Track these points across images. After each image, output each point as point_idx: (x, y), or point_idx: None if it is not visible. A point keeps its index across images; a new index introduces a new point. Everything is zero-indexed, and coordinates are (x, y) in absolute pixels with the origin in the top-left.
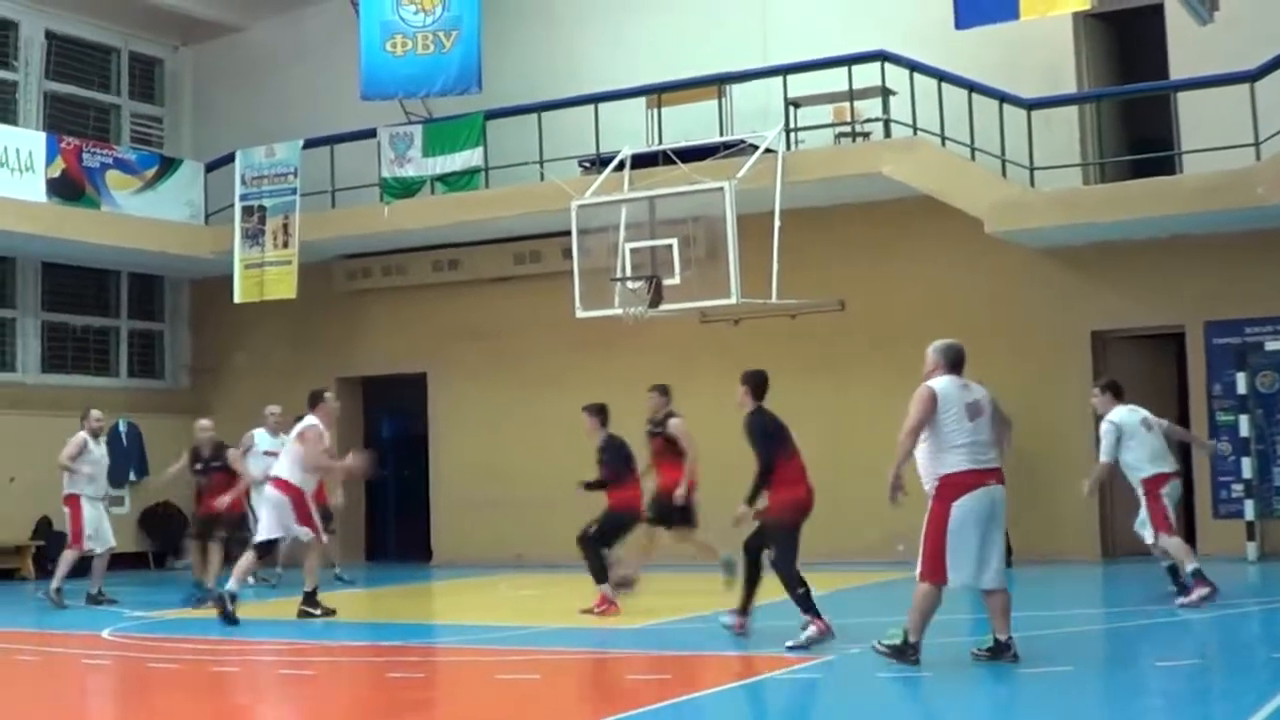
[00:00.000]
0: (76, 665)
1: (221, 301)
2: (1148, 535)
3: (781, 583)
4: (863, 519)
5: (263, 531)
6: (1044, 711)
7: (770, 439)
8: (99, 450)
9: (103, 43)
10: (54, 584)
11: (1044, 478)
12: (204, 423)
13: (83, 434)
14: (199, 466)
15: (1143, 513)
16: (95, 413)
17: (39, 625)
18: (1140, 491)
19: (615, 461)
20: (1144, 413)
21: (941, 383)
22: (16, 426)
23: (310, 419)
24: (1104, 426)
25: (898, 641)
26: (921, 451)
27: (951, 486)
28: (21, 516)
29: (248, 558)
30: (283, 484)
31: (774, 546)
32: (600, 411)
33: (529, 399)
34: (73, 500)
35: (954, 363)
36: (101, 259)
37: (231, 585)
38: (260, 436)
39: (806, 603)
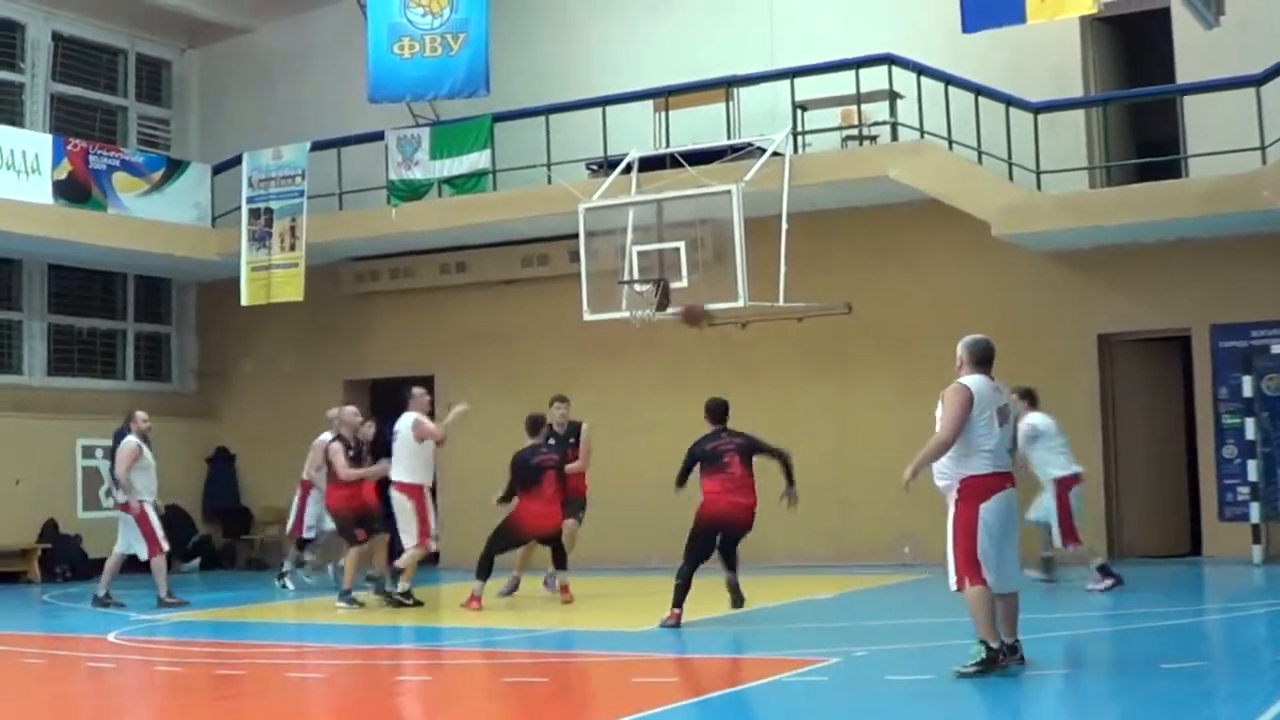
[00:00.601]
0: (82, 668)
1: (228, 304)
2: (1054, 525)
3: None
4: (869, 521)
5: (416, 537)
6: (1050, 714)
7: (691, 462)
8: (150, 452)
9: (109, 44)
10: (161, 592)
11: None
12: (367, 422)
13: (134, 439)
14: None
15: (1047, 502)
16: (140, 414)
17: (44, 628)
18: (1051, 491)
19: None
20: (1054, 419)
21: (975, 381)
22: (22, 429)
23: (408, 416)
24: (1022, 428)
25: (982, 655)
26: None
27: (975, 490)
28: (27, 519)
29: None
30: (403, 487)
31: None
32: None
33: (536, 401)
34: (140, 507)
35: (981, 359)
36: (108, 261)
37: (403, 585)
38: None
39: (678, 595)
